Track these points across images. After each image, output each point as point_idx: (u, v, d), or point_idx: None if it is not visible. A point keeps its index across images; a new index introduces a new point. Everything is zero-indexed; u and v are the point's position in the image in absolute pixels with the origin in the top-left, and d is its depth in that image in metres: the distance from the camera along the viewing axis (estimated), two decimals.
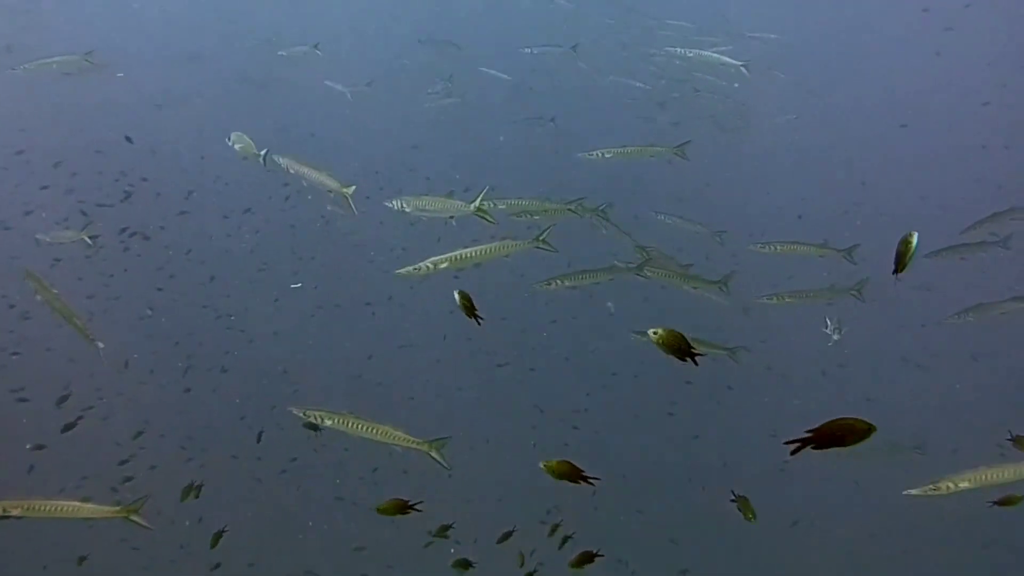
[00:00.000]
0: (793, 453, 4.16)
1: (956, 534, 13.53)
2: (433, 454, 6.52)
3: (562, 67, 19.22)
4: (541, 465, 5.94)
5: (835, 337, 10.30)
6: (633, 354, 14.32)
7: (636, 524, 14.38)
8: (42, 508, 6.37)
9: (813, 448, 4.16)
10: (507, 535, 10.18)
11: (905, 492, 5.68)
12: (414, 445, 6.49)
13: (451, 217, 7.85)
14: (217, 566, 10.81)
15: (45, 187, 13.66)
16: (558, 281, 8.54)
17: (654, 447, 15.42)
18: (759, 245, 9.91)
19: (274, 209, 15.96)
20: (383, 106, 19.21)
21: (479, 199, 7.58)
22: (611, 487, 13.91)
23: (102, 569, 11.23)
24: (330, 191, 8.26)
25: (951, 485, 5.66)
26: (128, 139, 14.32)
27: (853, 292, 10.33)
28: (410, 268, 6.77)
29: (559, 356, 16.32)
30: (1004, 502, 7.14)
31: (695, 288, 9.71)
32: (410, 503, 6.82)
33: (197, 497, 9.72)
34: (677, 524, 14.44)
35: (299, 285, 15.73)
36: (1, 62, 12.72)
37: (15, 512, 6.31)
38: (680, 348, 4.78)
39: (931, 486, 5.64)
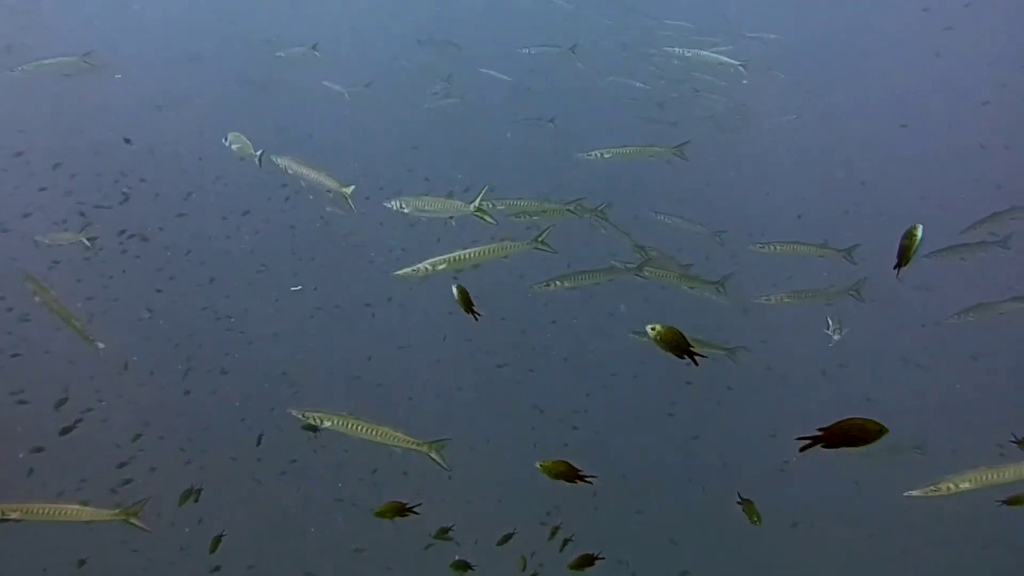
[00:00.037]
0: (802, 450, 4.13)
1: (956, 534, 13.53)
2: (433, 455, 6.51)
3: (561, 68, 19.20)
4: (537, 465, 5.93)
5: (836, 338, 10.29)
6: (633, 354, 14.31)
7: (636, 525, 14.37)
8: (41, 511, 6.36)
9: (823, 447, 4.12)
10: (507, 537, 10.18)
11: (906, 493, 5.67)
12: (414, 446, 6.49)
13: (450, 217, 7.84)
14: (217, 568, 10.79)
15: (44, 189, 13.64)
16: (557, 282, 8.52)
17: (654, 447, 15.42)
18: (759, 245, 9.90)
19: (273, 210, 15.94)
20: (382, 107, 19.20)
21: (478, 199, 7.56)
22: (611, 488, 13.94)
23: (102, 572, 11.21)
24: (329, 191, 8.25)
25: (952, 486, 5.65)
26: (127, 140, 14.31)
27: (852, 292, 10.32)
28: (408, 269, 6.76)
29: (559, 356, 16.32)
30: (1012, 501, 7.13)
31: (692, 288, 9.71)
32: (408, 505, 6.81)
33: (196, 501, 9.72)
34: (677, 525, 14.43)
35: (299, 288, 15.71)
36: (0, 63, 12.68)
37: (14, 515, 6.30)
38: (678, 345, 4.75)
39: (932, 487, 5.63)
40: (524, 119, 18.44)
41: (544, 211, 8.76)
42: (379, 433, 6.45)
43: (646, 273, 9.20)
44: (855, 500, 14.34)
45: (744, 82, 16.41)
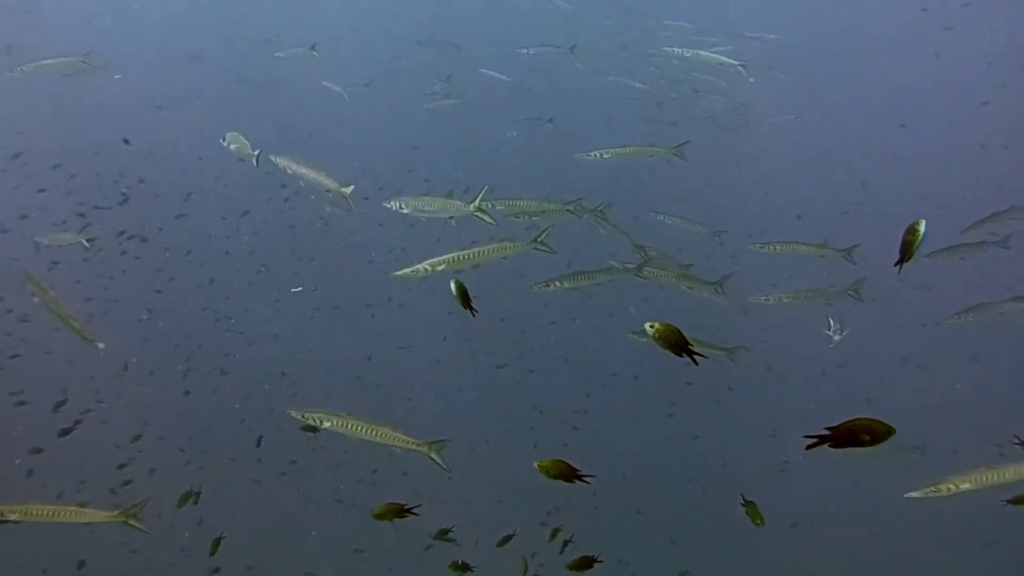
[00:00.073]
0: (808, 448, 4.11)
1: (956, 534, 13.52)
2: (433, 456, 6.51)
3: (561, 68, 19.19)
4: (535, 465, 5.92)
5: (836, 338, 10.28)
6: (633, 355, 14.31)
7: (636, 525, 14.36)
8: (40, 513, 6.36)
9: (830, 447, 4.09)
10: (507, 538, 10.17)
11: (906, 495, 5.67)
12: (414, 447, 6.49)
13: (450, 218, 7.83)
14: (216, 570, 10.78)
15: (43, 190, 13.62)
16: (557, 283, 8.51)
17: (654, 448, 15.41)
18: (759, 245, 9.89)
19: (273, 211, 15.93)
20: (382, 107, 19.20)
21: (478, 199, 7.55)
22: (611, 488, 13.94)
23: (101, 573, 11.21)
24: (328, 191, 8.24)
25: (952, 487, 5.65)
26: (126, 141, 14.30)
27: (851, 292, 10.32)
28: (408, 270, 6.77)
29: (558, 357, 16.31)
30: (1017, 501, 7.12)
31: (691, 288, 9.71)
32: (407, 507, 6.79)
33: (196, 503, 9.72)
34: (677, 525, 14.43)
35: (300, 289, 15.70)
36: (0, 63, 12.68)
37: (13, 517, 6.30)
38: (677, 344, 4.71)
39: (932, 488, 5.62)
40: (524, 119, 18.43)
41: (543, 211, 8.75)
42: (379, 433, 6.45)
43: (645, 273, 9.20)
44: (855, 500, 14.33)
45: (751, 80, 16.42)
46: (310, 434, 10.19)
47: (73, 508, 6.47)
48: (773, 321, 15.07)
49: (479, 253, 6.87)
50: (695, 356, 4.76)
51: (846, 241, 10.02)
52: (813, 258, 10.08)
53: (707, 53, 13.35)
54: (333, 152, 17.11)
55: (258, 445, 12.00)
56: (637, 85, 18.52)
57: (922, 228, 4.88)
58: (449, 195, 7.77)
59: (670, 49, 13.28)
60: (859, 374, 15.89)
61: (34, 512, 6.34)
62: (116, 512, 6.54)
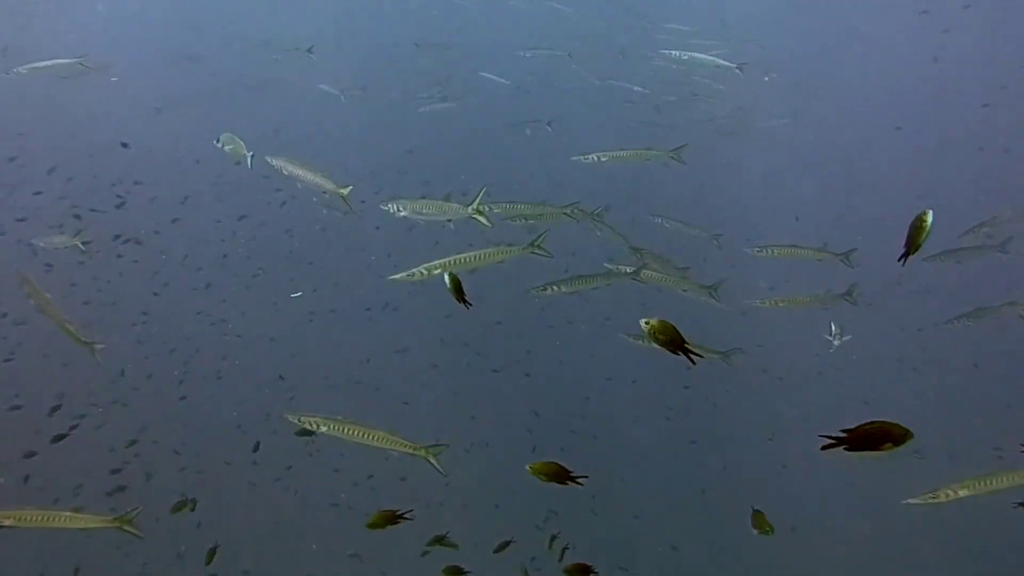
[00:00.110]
0: (823, 448, 4.03)
1: (956, 536, 13.50)
2: (430, 460, 6.50)
3: (559, 71, 19.19)
4: (527, 468, 5.89)
5: (836, 343, 10.27)
6: (630, 359, 14.28)
7: (635, 529, 14.33)
8: (34, 518, 6.32)
9: (846, 449, 4.02)
10: (504, 544, 10.13)
11: (905, 501, 5.66)
12: (411, 450, 6.47)
13: (449, 220, 7.81)
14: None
15: (38, 192, 13.59)
16: (555, 287, 8.50)
17: (652, 451, 15.38)
18: (756, 249, 9.88)
19: (270, 214, 15.90)
20: (378, 110, 19.17)
21: (476, 201, 7.53)
22: (609, 492, 13.91)
23: None
24: (325, 192, 8.22)
25: (951, 493, 5.65)
26: (124, 145, 14.25)
27: (846, 297, 10.32)
28: (404, 274, 6.75)
29: (556, 361, 16.28)
30: None
31: (684, 291, 9.70)
32: (400, 513, 6.76)
33: (192, 510, 9.71)
34: (676, 529, 14.39)
35: (299, 294, 15.66)
36: None
37: (7, 522, 6.27)
38: (672, 340, 4.64)
39: (931, 494, 5.63)
40: (521, 122, 18.42)
41: (540, 215, 8.74)
42: (375, 437, 6.44)
43: (642, 277, 9.19)
44: (854, 503, 14.32)
45: (749, 83, 16.40)
46: (306, 438, 10.18)
47: (68, 513, 6.44)
48: (770, 324, 15.05)
49: (476, 257, 6.86)
50: (691, 355, 4.68)
51: (844, 244, 10.02)
52: (811, 261, 10.08)
53: (704, 56, 13.35)
54: (330, 155, 17.05)
55: (255, 450, 11.97)
56: (635, 88, 18.51)
57: (929, 219, 4.70)
58: (447, 198, 7.75)
59: (667, 52, 13.28)
60: (857, 377, 15.88)
61: (28, 518, 6.30)
62: (111, 518, 6.50)
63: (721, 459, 15.30)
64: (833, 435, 3.96)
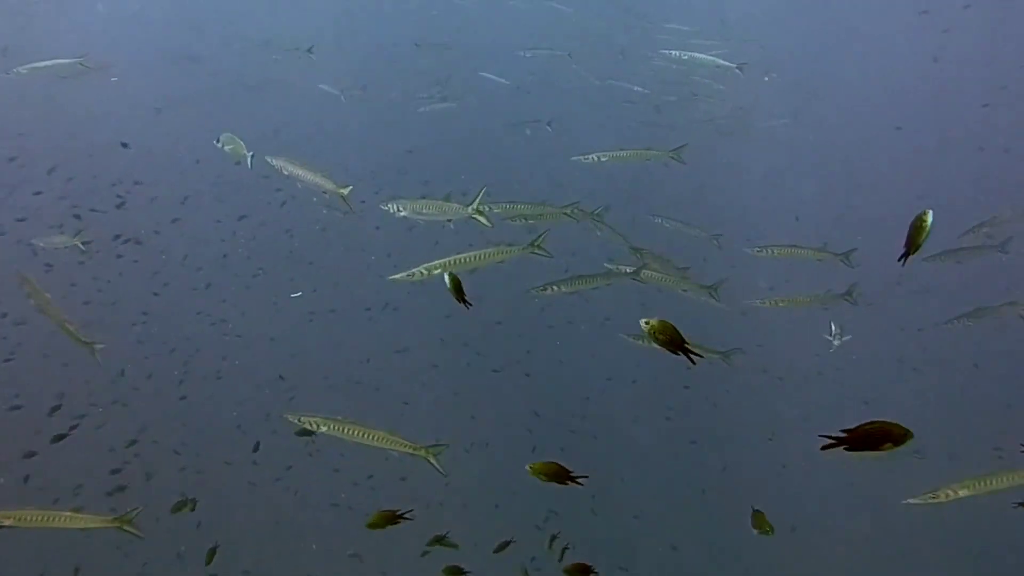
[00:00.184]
0: (823, 448, 4.01)
1: (956, 536, 13.50)
2: (430, 459, 6.50)
3: (559, 71, 19.19)
4: (527, 468, 5.89)
5: (836, 343, 10.27)
6: (630, 359, 14.28)
7: (635, 530, 14.33)
8: (34, 518, 6.32)
9: (846, 449, 4.01)
10: (504, 544, 10.13)
11: (905, 501, 5.67)
12: (411, 450, 6.48)
13: (449, 220, 7.81)
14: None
15: (38, 192, 13.59)
16: (554, 287, 8.49)
17: (652, 451, 15.38)
18: (756, 249, 9.88)
19: (270, 214, 15.90)
20: (378, 110, 19.17)
21: (476, 201, 7.53)
22: (610, 492, 13.90)
23: None
24: (325, 192, 8.22)
25: (950, 493, 5.65)
26: (124, 145, 14.25)
27: (846, 297, 10.32)
28: (404, 274, 6.75)
29: (556, 361, 16.28)
30: None
31: (684, 291, 9.71)
32: (399, 513, 6.75)
33: (192, 511, 9.71)
34: (676, 529, 14.39)
35: (300, 294, 15.66)
36: None
37: (7, 522, 6.27)
38: (672, 340, 4.63)
39: (931, 494, 5.63)
40: (521, 122, 18.41)
41: (540, 214, 8.74)
42: (376, 437, 6.44)
43: (642, 276, 9.19)
44: (854, 503, 14.32)
45: (749, 83, 16.39)
46: (306, 438, 10.19)
47: (67, 514, 6.44)
48: (770, 325, 15.05)
49: (476, 257, 6.86)
50: (691, 355, 4.67)
51: (844, 244, 10.02)
52: (811, 261, 10.08)
53: (704, 56, 13.35)
54: (330, 155, 17.04)
55: (255, 450, 11.97)
56: (635, 88, 18.51)
57: (929, 219, 4.69)
58: (447, 198, 7.75)
59: (667, 52, 13.28)
60: (857, 378, 15.88)
61: (28, 518, 6.30)
62: (110, 518, 6.50)
63: (721, 459, 15.30)
64: (833, 435, 3.95)
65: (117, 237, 13.69)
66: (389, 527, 6.79)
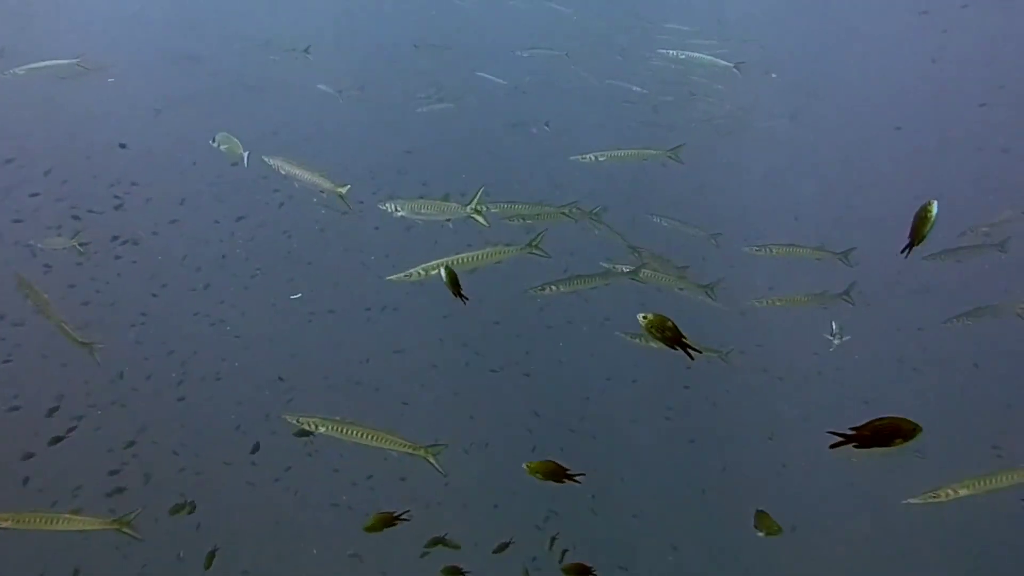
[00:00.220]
0: (832, 447, 3.98)
1: (956, 535, 13.49)
2: (430, 459, 6.50)
3: (557, 71, 19.19)
4: (524, 467, 5.88)
5: (836, 342, 10.25)
6: (630, 358, 14.27)
7: (635, 529, 14.31)
8: (33, 520, 6.31)
9: (855, 447, 3.98)
10: (504, 545, 10.12)
11: (905, 501, 5.67)
12: (411, 450, 6.48)
13: (447, 220, 7.80)
14: None
15: (36, 194, 13.57)
16: (553, 287, 8.48)
17: (652, 451, 15.37)
18: (755, 248, 9.87)
19: (268, 215, 15.88)
20: (377, 110, 19.16)
21: (475, 201, 7.52)
22: (609, 492, 13.89)
23: None
24: (323, 191, 8.21)
25: (951, 492, 5.65)
26: (122, 146, 14.23)
27: (844, 297, 10.30)
28: (402, 274, 6.74)
29: (555, 361, 16.26)
30: None
31: (681, 290, 9.70)
32: (397, 514, 6.73)
33: (190, 513, 9.70)
34: (676, 528, 14.38)
35: (299, 295, 15.64)
36: None
37: (5, 524, 6.26)
38: (670, 335, 4.60)
39: (931, 494, 5.63)
40: (520, 122, 18.41)
41: (538, 214, 8.73)
42: (375, 437, 6.44)
43: (640, 276, 9.18)
44: (855, 502, 14.30)
45: (747, 83, 16.37)
46: (305, 439, 10.17)
47: (66, 516, 6.43)
48: (770, 324, 15.04)
49: (474, 257, 6.85)
50: (690, 350, 4.65)
51: (843, 243, 10.01)
52: (810, 260, 10.07)
53: (702, 55, 13.35)
54: (329, 155, 17.03)
55: (253, 451, 11.94)
56: (634, 88, 18.51)
57: (934, 209, 4.66)
58: (445, 198, 7.74)
59: (665, 51, 13.28)
60: (856, 377, 15.88)
61: (26, 520, 6.29)
62: (109, 520, 6.49)
63: (721, 459, 15.29)
64: (842, 432, 3.92)
65: (115, 238, 13.68)
66: (387, 529, 6.77)
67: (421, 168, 16.69)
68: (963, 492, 5.65)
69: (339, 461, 12.90)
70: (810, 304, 10.51)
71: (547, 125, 17.63)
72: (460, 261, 6.76)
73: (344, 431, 6.51)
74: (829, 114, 21.19)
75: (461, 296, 6.06)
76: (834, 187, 20.14)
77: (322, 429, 6.52)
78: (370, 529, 6.79)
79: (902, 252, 4.88)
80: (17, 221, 13.11)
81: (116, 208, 13.94)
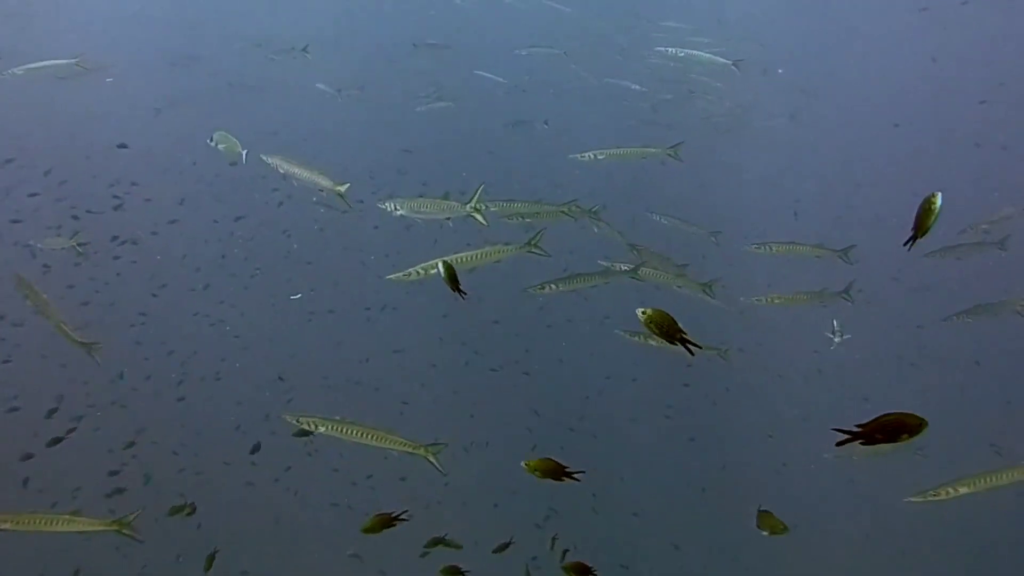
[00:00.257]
0: (838, 444, 3.96)
1: (956, 534, 13.49)
2: (430, 458, 6.50)
3: (557, 69, 19.18)
4: (523, 465, 5.87)
5: (837, 340, 10.24)
6: (629, 357, 14.26)
7: (636, 528, 14.31)
8: (32, 522, 6.30)
9: (862, 444, 3.96)
10: (504, 546, 10.10)
11: (906, 500, 5.67)
12: (411, 449, 6.48)
13: (447, 219, 7.79)
14: None
15: (35, 194, 13.56)
16: (552, 285, 8.46)
17: (652, 450, 15.37)
18: (755, 246, 9.86)
19: (268, 214, 15.87)
20: (377, 109, 19.15)
21: (475, 199, 7.52)
22: (610, 490, 13.88)
23: None
24: (322, 190, 8.20)
25: (951, 491, 5.65)
26: (122, 146, 14.21)
27: (843, 295, 10.29)
28: (400, 274, 6.74)
29: (555, 359, 16.25)
30: None
31: (679, 287, 9.69)
32: (394, 515, 6.71)
33: (190, 515, 9.69)
34: (676, 527, 14.37)
35: (299, 296, 15.63)
36: None
37: (5, 526, 6.25)
38: (669, 330, 4.58)
39: (932, 492, 5.63)
40: (519, 121, 18.39)
41: (537, 213, 8.71)
42: (375, 437, 6.43)
43: (640, 274, 9.17)
44: (855, 502, 14.30)
45: (746, 80, 16.37)
46: (305, 438, 10.17)
47: (66, 517, 6.42)
48: (769, 322, 15.04)
49: (473, 256, 6.84)
50: (688, 344, 4.63)
51: (842, 241, 10.00)
52: (810, 258, 10.06)
53: (700, 53, 13.33)
54: (329, 155, 17.01)
55: (253, 451, 11.93)
56: (633, 87, 18.50)
57: (938, 201, 4.58)
58: (445, 197, 7.73)
59: (664, 49, 13.26)
60: (856, 375, 15.88)
61: (26, 521, 6.28)
62: (108, 521, 6.48)
63: (721, 457, 15.28)
64: (847, 429, 3.90)
65: (115, 238, 13.67)
66: (385, 531, 6.75)
67: (420, 167, 16.68)
68: (963, 490, 5.65)
69: (339, 461, 12.90)
70: (809, 302, 10.49)
71: (546, 124, 17.61)
72: (459, 260, 6.75)
73: (344, 431, 6.50)
74: (829, 112, 21.18)
75: (459, 291, 6.05)
76: (834, 185, 20.14)
77: (322, 429, 6.51)
78: (368, 531, 6.76)
79: (905, 244, 4.81)
80: (16, 221, 13.09)
81: (115, 208, 13.92)
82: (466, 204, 7.52)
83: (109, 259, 13.82)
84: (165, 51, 19.24)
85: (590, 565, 7.62)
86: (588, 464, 6.27)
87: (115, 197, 13.96)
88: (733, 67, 13.00)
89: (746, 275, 12.04)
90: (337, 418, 6.53)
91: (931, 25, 19.42)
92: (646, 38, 18.72)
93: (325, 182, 8.07)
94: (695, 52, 13.27)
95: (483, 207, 7.63)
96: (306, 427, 6.50)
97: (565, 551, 9.72)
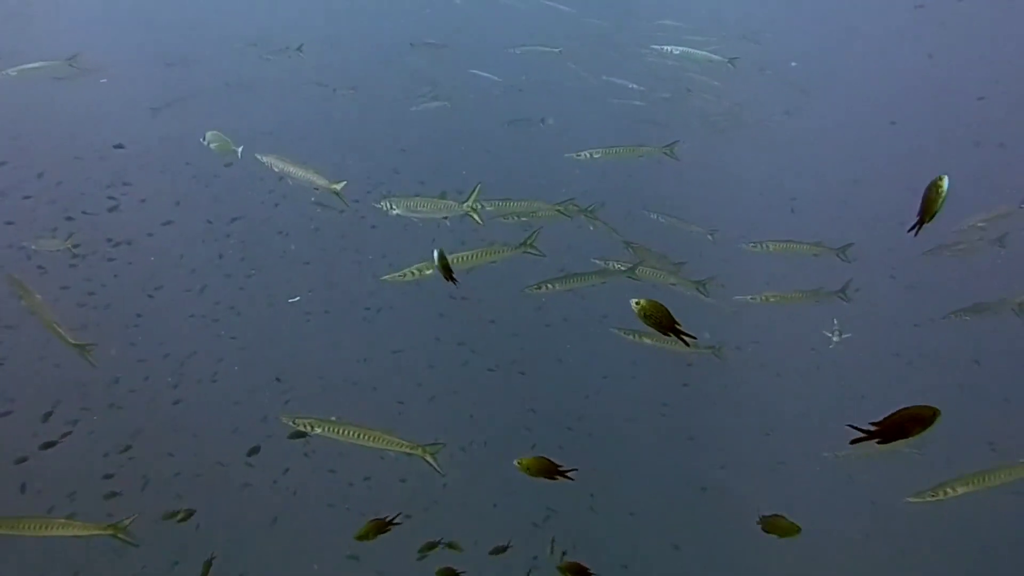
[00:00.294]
0: (853, 442, 3.92)
1: (955, 534, 13.47)
2: (428, 459, 6.48)
3: (553, 68, 19.15)
4: (515, 463, 5.85)
5: (835, 339, 10.22)
6: (627, 356, 14.24)
7: (634, 528, 14.29)
8: (29, 526, 6.29)
9: (878, 443, 3.93)
10: (502, 548, 10.07)
11: (906, 499, 5.65)
12: (408, 450, 6.45)
13: (444, 218, 7.77)
14: None
15: (28, 197, 13.52)
16: (549, 285, 8.43)
17: (650, 449, 15.36)
18: (752, 244, 9.84)
19: (263, 215, 15.84)
20: (373, 109, 19.12)
21: (472, 198, 7.49)
22: (607, 490, 13.86)
23: None
24: (317, 188, 8.18)
25: (950, 490, 5.64)
26: (118, 146, 14.16)
27: (839, 294, 10.27)
28: (396, 274, 6.72)
29: (552, 359, 16.23)
30: None
31: (674, 284, 9.67)
32: (389, 520, 6.67)
33: (183, 521, 9.65)
34: (674, 526, 14.35)
35: (298, 299, 15.59)
36: None
37: (1, 530, 6.23)
38: (663, 321, 4.55)
39: (931, 492, 5.62)
40: (515, 120, 18.37)
41: (533, 212, 8.68)
42: (373, 437, 6.40)
43: (637, 273, 9.15)
44: (855, 502, 14.28)
45: (743, 78, 16.34)
46: (302, 439, 10.14)
47: (62, 521, 6.41)
48: (767, 321, 15.02)
49: (468, 257, 6.82)
50: (683, 336, 4.59)
51: (840, 239, 9.98)
52: (807, 256, 10.04)
53: (696, 51, 13.31)
54: (325, 154, 16.98)
55: (251, 454, 11.89)
56: (630, 85, 18.48)
57: (945, 184, 4.53)
58: (442, 195, 7.71)
59: (660, 47, 13.24)
60: (854, 373, 15.86)
61: (23, 525, 6.26)
62: (104, 525, 6.46)
63: (719, 456, 15.27)
64: (862, 427, 3.87)
65: (110, 240, 13.62)
66: (379, 536, 6.70)
67: (417, 166, 16.65)
68: (962, 490, 5.63)
69: (337, 462, 12.87)
70: (804, 301, 10.47)
71: (543, 122, 17.58)
72: (456, 261, 6.72)
73: (341, 431, 6.47)
74: (826, 110, 21.17)
75: (452, 279, 6.00)
76: (831, 183, 20.12)
77: (318, 430, 6.47)
78: (362, 537, 6.69)
79: (911, 230, 4.74)
80: (10, 223, 13.05)
81: (110, 210, 13.88)
82: (463, 203, 7.49)
83: (104, 260, 13.77)
84: (160, 52, 19.20)
85: (587, 566, 7.58)
86: (586, 463, 6.24)
87: (110, 198, 13.92)
88: (729, 64, 12.98)
89: (743, 273, 12.01)
90: (334, 419, 6.49)
91: (928, 23, 19.41)
92: (643, 36, 18.70)
93: (321, 181, 8.05)
94: (691, 50, 13.25)
95: (479, 206, 7.61)
96: (302, 428, 6.47)
97: (564, 552, 9.71)
